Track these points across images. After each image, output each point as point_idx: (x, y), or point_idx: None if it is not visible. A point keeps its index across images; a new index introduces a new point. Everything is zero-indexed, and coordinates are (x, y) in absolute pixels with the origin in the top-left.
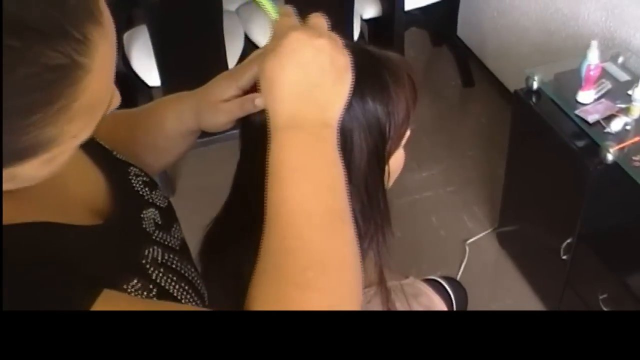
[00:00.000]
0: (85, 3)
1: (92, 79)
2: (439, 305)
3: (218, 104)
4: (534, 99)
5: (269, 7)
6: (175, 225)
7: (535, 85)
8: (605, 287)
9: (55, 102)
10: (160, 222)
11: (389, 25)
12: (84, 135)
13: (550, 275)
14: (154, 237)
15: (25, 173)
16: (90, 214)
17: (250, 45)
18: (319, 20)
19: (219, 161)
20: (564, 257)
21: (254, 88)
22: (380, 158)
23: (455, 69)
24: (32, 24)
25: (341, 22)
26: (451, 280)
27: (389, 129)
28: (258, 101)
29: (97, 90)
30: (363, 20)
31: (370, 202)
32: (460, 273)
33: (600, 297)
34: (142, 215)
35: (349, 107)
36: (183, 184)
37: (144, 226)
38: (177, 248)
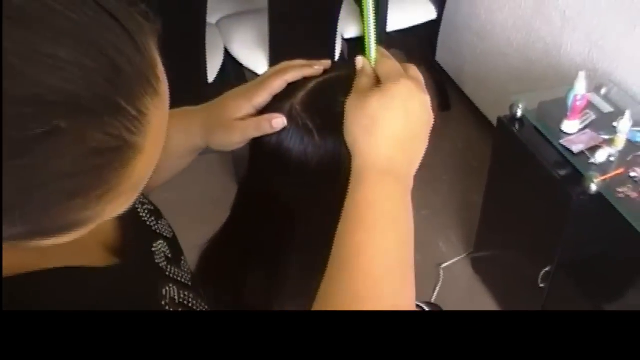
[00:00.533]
0: (143, 72)
1: (142, 157)
2: None
3: (232, 122)
4: (517, 127)
5: (373, 46)
6: (183, 258)
7: (519, 113)
8: None
9: (99, 187)
10: (170, 256)
11: None
12: (122, 210)
13: (526, 303)
14: (167, 274)
15: (50, 242)
16: (104, 250)
17: (229, 60)
18: (419, 74)
19: (192, 175)
20: (542, 285)
21: (266, 108)
22: None
23: (432, 92)
24: (81, 102)
25: (323, 41)
26: (434, 307)
27: None
28: (275, 122)
29: (147, 168)
30: (344, 40)
31: None
32: (434, 297)
33: None
34: (153, 249)
35: None
36: (154, 197)
37: (157, 261)
38: (189, 284)
